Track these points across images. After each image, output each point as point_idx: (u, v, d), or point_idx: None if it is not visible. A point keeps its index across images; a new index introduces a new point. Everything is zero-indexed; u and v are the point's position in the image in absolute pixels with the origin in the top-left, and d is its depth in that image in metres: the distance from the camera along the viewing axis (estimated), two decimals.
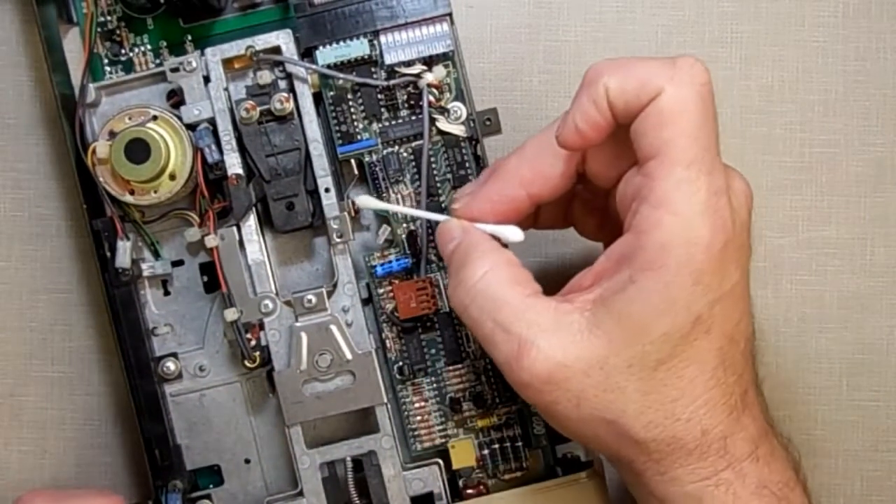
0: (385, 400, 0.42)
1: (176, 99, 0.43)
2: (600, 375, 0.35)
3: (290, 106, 0.42)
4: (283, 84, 0.42)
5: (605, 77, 0.35)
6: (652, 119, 0.34)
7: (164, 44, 0.44)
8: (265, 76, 0.42)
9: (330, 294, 0.42)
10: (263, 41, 0.42)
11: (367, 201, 0.41)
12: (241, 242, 0.42)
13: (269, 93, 0.42)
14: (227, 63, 0.43)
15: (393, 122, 0.43)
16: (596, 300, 0.35)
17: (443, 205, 0.43)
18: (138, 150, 0.41)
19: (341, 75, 0.42)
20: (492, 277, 0.37)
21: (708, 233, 0.34)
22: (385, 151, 0.43)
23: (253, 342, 0.42)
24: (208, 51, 0.42)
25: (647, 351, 0.34)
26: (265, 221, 0.43)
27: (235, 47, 0.42)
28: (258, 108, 0.42)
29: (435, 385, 0.43)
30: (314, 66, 0.42)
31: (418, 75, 0.42)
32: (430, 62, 0.42)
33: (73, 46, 0.45)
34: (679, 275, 0.34)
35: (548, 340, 0.35)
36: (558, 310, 0.35)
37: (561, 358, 0.35)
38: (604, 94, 0.35)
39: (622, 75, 0.35)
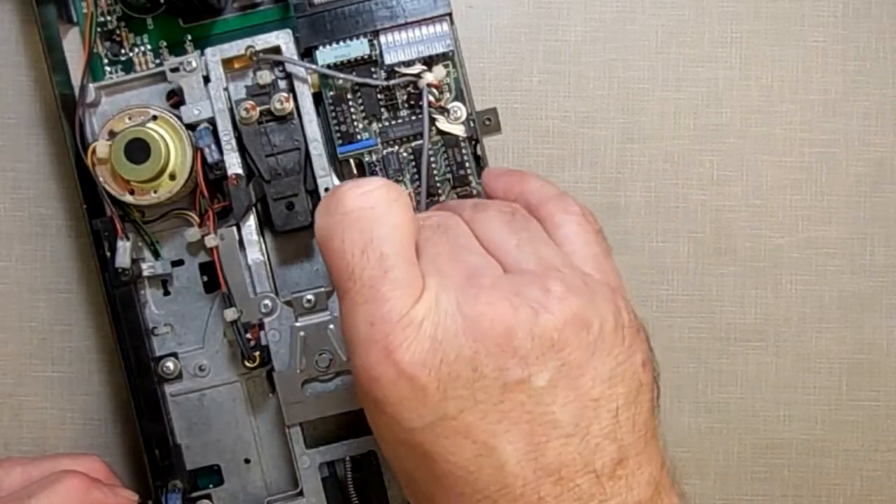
0: None
1: (176, 99, 0.43)
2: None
3: (290, 106, 0.42)
4: (283, 84, 0.42)
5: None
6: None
7: (164, 44, 0.44)
8: (265, 76, 0.42)
9: (330, 294, 0.42)
10: (263, 41, 0.42)
11: None
12: (241, 242, 0.42)
13: (269, 93, 0.42)
14: (227, 63, 0.43)
15: (393, 122, 0.43)
16: None
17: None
18: (138, 150, 0.41)
19: (341, 75, 0.42)
20: None
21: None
22: (385, 151, 0.43)
23: (253, 342, 0.42)
24: (208, 51, 0.42)
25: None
26: (265, 221, 0.43)
27: (235, 47, 0.42)
28: (258, 108, 0.42)
29: None
30: (314, 66, 0.42)
31: (418, 75, 0.42)
32: (430, 62, 0.42)
33: (73, 46, 0.45)
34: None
35: None
36: None
37: None
38: None
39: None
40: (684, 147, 0.47)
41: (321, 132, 0.42)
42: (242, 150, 0.42)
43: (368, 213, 0.32)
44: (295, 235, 0.44)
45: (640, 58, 0.47)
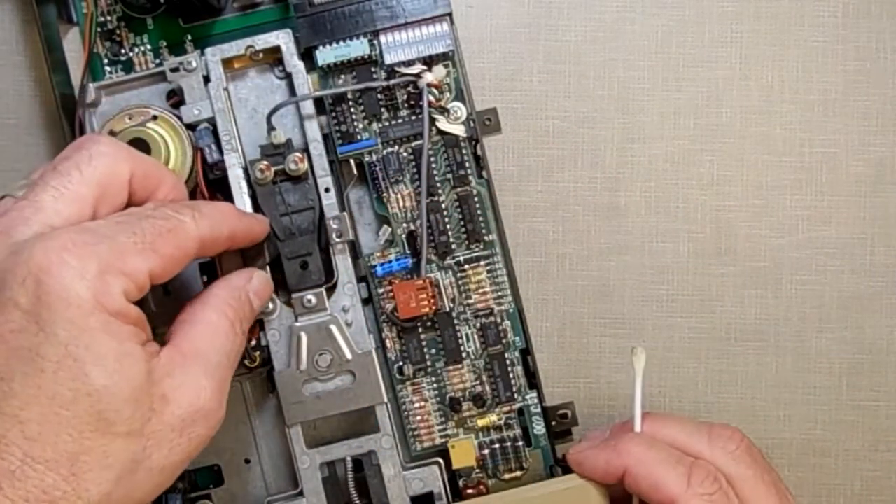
0: (385, 400, 0.42)
1: (176, 99, 0.43)
2: None
3: (304, 166, 0.42)
4: (297, 143, 0.42)
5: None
6: None
7: (164, 44, 0.44)
8: (279, 136, 0.42)
9: (330, 294, 0.42)
10: (263, 41, 0.42)
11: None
12: None
13: (283, 153, 0.42)
14: (227, 63, 0.43)
15: (393, 122, 0.43)
16: None
17: (442, 204, 0.43)
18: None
19: (342, 89, 0.42)
20: None
21: None
22: (385, 151, 0.43)
23: (253, 342, 0.42)
24: (208, 51, 0.42)
25: None
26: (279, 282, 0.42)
27: (235, 47, 0.42)
28: (272, 169, 0.42)
29: (435, 385, 0.43)
30: (320, 93, 0.42)
31: (418, 75, 0.42)
32: (430, 62, 0.42)
33: (73, 46, 0.45)
34: None
35: None
36: None
37: None
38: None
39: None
40: (684, 147, 0.47)
41: (321, 132, 0.42)
42: (257, 210, 0.42)
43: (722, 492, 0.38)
44: None
45: (640, 58, 0.47)
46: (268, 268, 0.42)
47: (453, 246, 0.43)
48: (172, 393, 0.33)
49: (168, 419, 0.33)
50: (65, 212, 0.33)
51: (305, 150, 0.42)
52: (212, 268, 0.42)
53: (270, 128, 0.42)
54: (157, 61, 0.44)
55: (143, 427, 0.32)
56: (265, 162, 0.42)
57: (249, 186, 0.42)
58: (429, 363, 0.43)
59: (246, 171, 0.42)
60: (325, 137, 0.43)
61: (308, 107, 0.42)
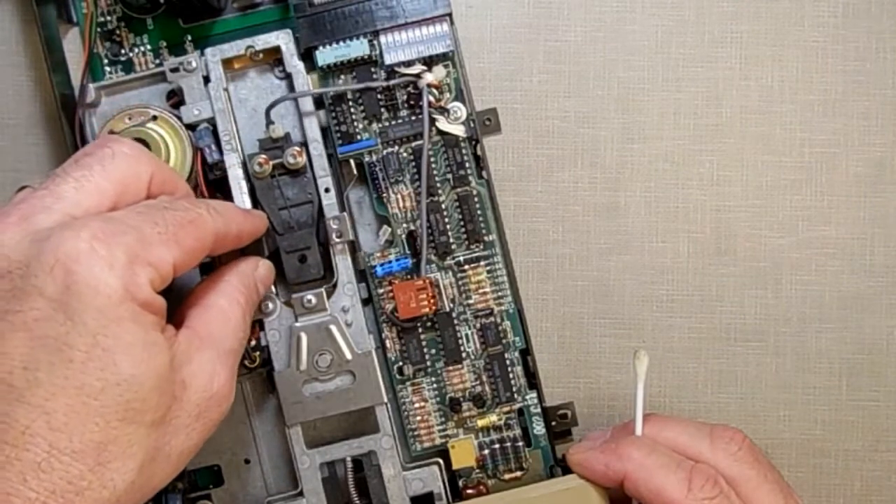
0: (385, 400, 0.42)
1: (176, 99, 0.43)
2: None
3: (302, 160, 0.42)
4: (295, 138, 0.42)
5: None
6: None
7: (164, 44, 0.44)
8: (278, 130, 0.42)
9: (330, 294, 0.42)
10: (263, 41, 0.42)
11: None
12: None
13: (281, 146, 0.42)
14: (227, 63, 0.43)
15: (393, 123, 0.43)
16: None
17: (442, 205, 0.43)
18: None
19: (342, 88, 0.42)
20: None
21: None
22: (385, 151, 0.43)
23: (253, 342, 0.42)
24: (208, 51, 0.42)
25: None
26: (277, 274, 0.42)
27: (235, 47, 0.42)
28: (271, 163, 0.42)
29: (435, 385, 0.43)
30: (319, 91, 0.42)
31: (418, 75, 0.42)
32: (430, 62, 0.42)
33: (73, 46, 0.45)
34: None
35: None
36: None
37: None
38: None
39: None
40: (684, 147, 0.47)
41: (321, 132, 0.42)
42: (255, 203, 0.42)
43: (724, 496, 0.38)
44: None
45: (640, 58, 0.47)
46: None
47: (453, 246, 0.43)
48: (191, 379, 0.34)
49: (186, 406, 0.34)
50: (85, 203, 0.33)
51: (304, 144, 0.42)
52: (212, 268, 0.42)
53: (269, 122, 0.42)
54: (157, 61, 0.44)
55: (165, 415, 0.32)
56: (264, 155, 0.42)
57: (248, 183, 0.42)
58: (429, 363, 0.43)
59: (246, 169, 0.42)
60: (325, 133, 0.43)
61: (308, 105, 0.42)
